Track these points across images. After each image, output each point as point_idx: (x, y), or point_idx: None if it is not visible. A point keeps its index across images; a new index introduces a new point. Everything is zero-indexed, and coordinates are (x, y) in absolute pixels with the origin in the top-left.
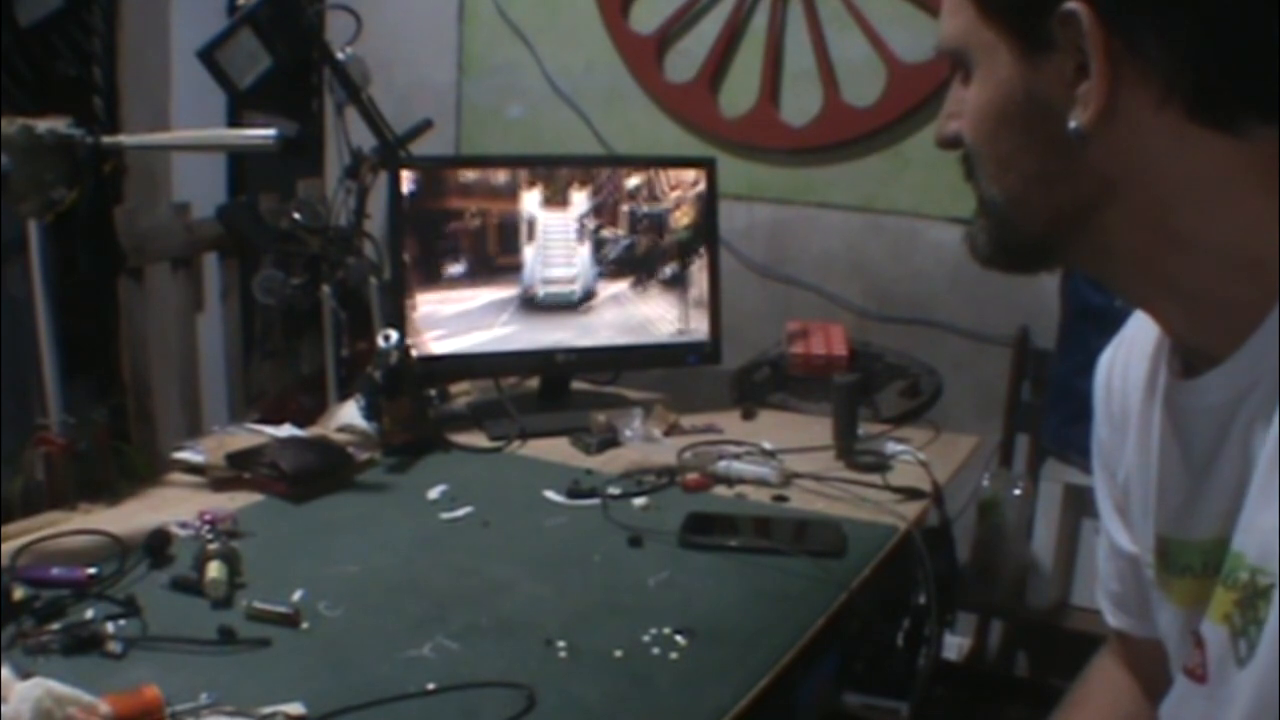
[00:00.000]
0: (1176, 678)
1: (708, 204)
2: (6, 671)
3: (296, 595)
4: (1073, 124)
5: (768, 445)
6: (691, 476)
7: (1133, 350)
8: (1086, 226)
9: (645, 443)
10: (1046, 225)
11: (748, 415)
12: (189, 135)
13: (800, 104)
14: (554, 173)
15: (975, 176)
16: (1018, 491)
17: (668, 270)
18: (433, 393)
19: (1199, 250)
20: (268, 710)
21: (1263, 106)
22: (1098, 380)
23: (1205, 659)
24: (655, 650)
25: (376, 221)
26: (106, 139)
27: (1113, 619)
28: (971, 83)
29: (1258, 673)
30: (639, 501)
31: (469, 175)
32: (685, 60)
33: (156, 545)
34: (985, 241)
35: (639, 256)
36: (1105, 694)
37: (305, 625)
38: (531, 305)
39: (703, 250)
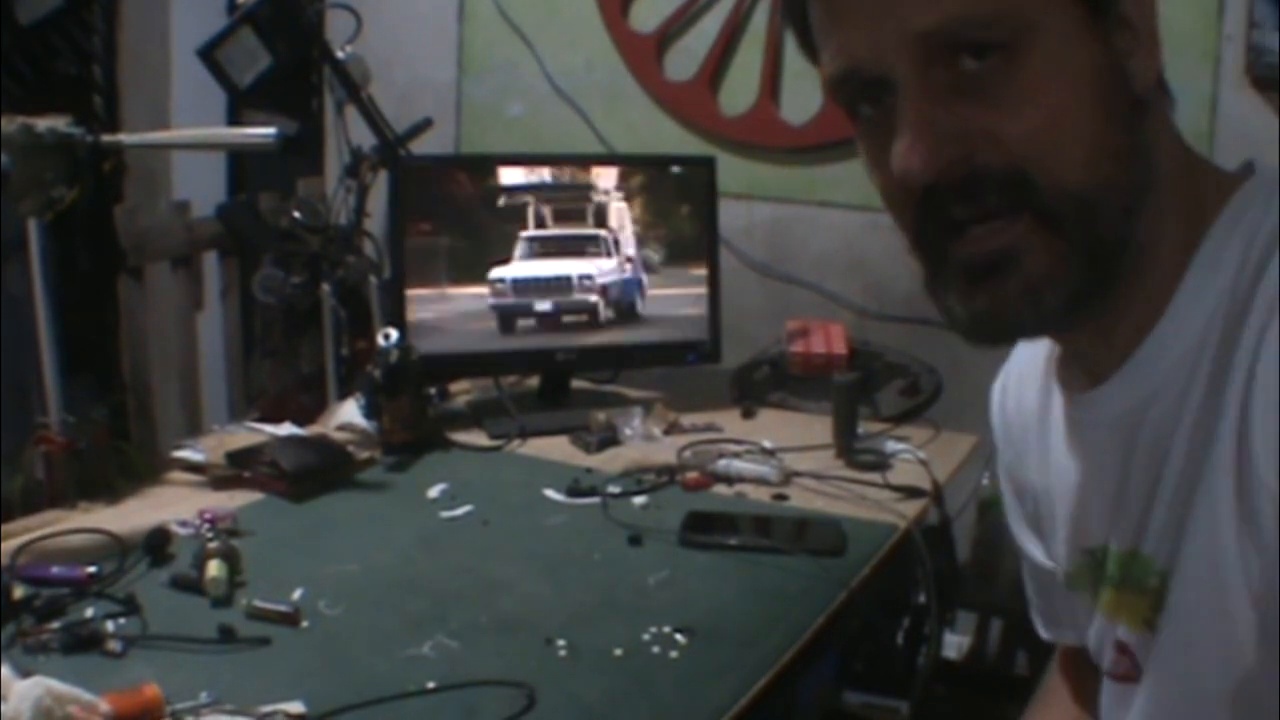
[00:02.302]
0: (1105, 684)
1: (708, 202)
2: (6, 670)
3: (296, 594)
4: (1136, 90)
5: (767, 444)
6: (691, 475)
7: (1024, 377)
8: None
9: (645, 441)
10: (1129, 213)
11: (747, 414)
12: (189, 134)
13: (800, 102)
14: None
15: (1025, 183)
16: None
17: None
18: (433, 391)
19: (1158, 247)
20: (268, 709)
21: None
22: (993, 408)
23: (1134, 660)
24: (655, 649)
25: (376, 220)
26: (106, 138)
27: (1045, 632)
28: (1023, 67)
29: (1160, 655)
30: (639, 500)
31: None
32: (685, 59)
33: (156, 544)
34: (1061, 264)
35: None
36: (1059, 692)
37: (305, 624)
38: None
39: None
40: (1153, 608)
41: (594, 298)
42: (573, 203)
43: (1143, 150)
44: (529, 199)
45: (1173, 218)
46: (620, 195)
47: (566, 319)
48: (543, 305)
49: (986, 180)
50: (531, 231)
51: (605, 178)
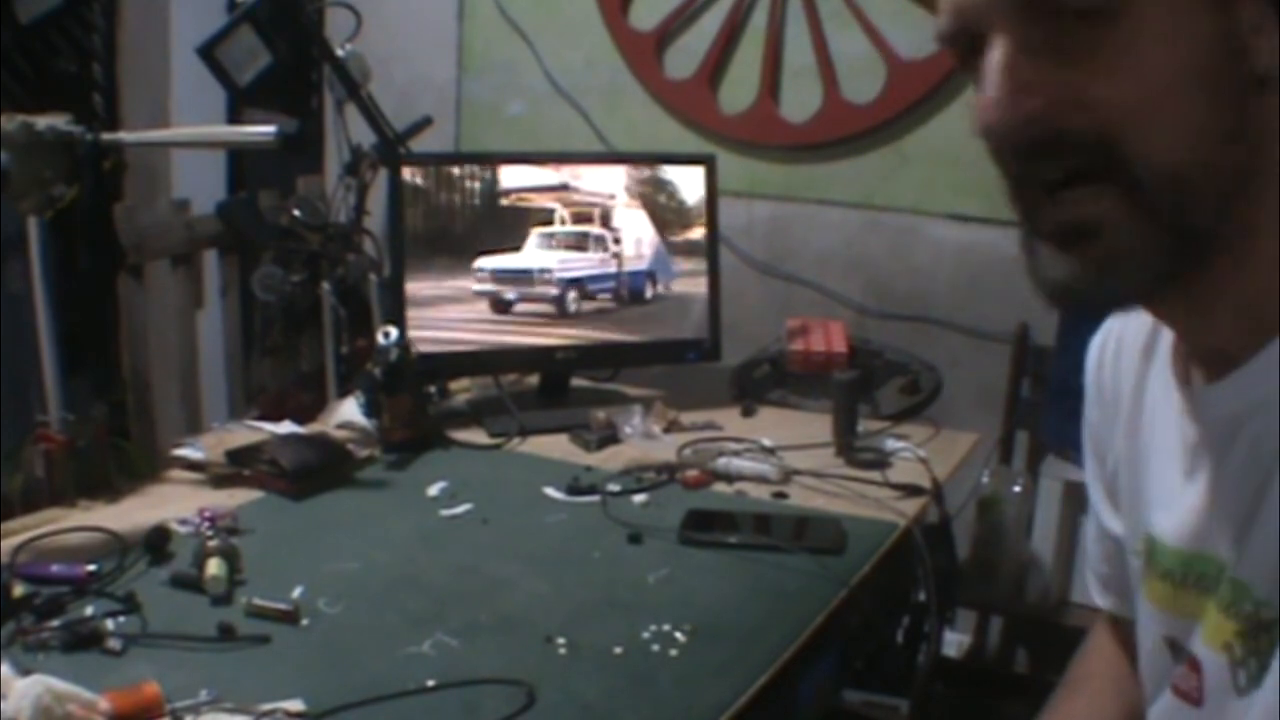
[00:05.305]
0: (1165, 694)
1: (707, 201)
2: (6, 668)
3: (296, 592)
4: (1258, 69)
5: (767, 442)
6: (691, 473)
7: (1123, 341)
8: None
9: (645, 439)
10: (1227, 198)
11: (747, 412)
12: (189, 132)
13: (800, 101)
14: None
15: (1114, 152)
16: (1017, 488)
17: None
18: (432, 389)
19: (1261, 236)
20: (267, 707)
21: None
22: (1089, 365)
23: (1201, 683)
24: (655, 647)
25: (376, 218)
26: (106, 136)
27: (1101, 599)
28: (1126, 31)
29: (1263, 706)
30: (639, 498)
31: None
32: (685, 57)
33: (156, 542)
34: (1147, 243)
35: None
36: (1106, 671)
37: (305, 622)
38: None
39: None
40: (1238, 634)
41: (554, 290)
42: (584, 207)
43: (1255, 133)
44: (554, 204)
45: None
46: (627, 200)
47: (523, 307)
48: (509, 294)
49: (1072, 141)
50: (549, 229)
51: (610, 183)
